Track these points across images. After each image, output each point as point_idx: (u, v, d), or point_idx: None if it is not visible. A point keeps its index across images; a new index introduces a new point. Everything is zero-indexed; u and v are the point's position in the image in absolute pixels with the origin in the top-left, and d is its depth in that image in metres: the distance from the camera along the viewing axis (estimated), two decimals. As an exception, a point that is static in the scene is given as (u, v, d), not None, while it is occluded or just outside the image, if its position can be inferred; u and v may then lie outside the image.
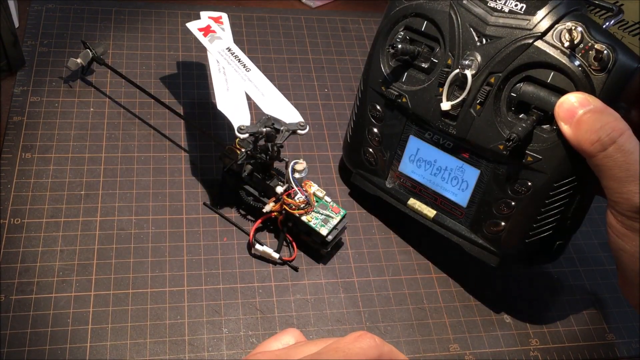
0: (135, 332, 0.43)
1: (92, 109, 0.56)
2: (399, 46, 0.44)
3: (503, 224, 0.45)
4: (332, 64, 0.65)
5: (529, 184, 0.42)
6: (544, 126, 0.41)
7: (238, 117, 0.46)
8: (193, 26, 0.52)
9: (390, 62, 0.47)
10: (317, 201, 0.48)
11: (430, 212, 0.48)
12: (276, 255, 0.48)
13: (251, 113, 0.47)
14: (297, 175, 0.47)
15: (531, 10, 0.40)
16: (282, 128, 0.46)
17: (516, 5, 0.41)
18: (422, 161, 0.48)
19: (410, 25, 0.46)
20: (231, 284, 0.47)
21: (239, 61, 0.50)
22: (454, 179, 0.47)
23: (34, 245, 0.46)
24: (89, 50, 0.56)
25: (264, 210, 0.48)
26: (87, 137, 0.54)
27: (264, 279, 0.48)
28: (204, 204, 0.51)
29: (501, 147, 0.42)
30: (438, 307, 0.49)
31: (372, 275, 0.50)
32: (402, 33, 0.46)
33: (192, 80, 0.60)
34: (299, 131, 0.46)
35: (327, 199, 0.48)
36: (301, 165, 0.47)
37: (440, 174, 0.47)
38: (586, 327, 0.50)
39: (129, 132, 0.55)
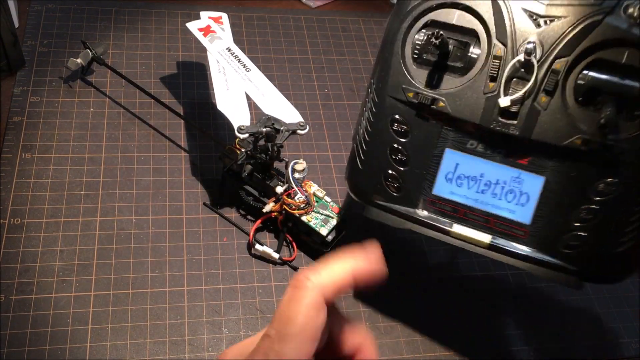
0: (135, 332, 0.43)
1: (92, 109, 0.56)
2: (434, 39, 0.37)
3: (584, 234, 0.38)
4: (332, 64, 0.65)
5: (616, 180, 0.37)
6: (624, 113, 0.36)
7: (238, 117, 0.46)
8: (193, 26, 0.52)
9: (414, 65, 0.40)
10: (317, 201, 0.48)
11: (483, 238, 0.40)
12: (276, 255, 0.48)
13: (251, 113, 0.47)
14: (297, 175, 0.47)
15: None
16: (282, 128, 0.46)
17: None
18: (463, 178, 0.41)
19: (435, 19, 0.39)
20: (231, 284, 0.47)
21: (239, 61, 0.50)
22: (509, 193, 0.40)
23: (34, 245, 0.46)
24: (88, 50, 0.56)
25: (264, 210, 0.48)
26: (87, 137, 0.54)
27: (264, 279, 0.48)
28: (204, 204, 0.51)
29: (578, 141, 0.36)
30: (438, 306, 0.49)
31: (372, 275, 0.50)
32: (423, 31, 0.40)
33: (192, 80, 0.60)
34: (299, 131, 0.46)
35: (327, 199, 0.48)
36: (301, 165, 0.47)
37: (490, 189, 0.40)
38: (586, 327, 0.50)
39: (129, 132, 0.55)
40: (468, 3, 0.38)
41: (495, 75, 0.38)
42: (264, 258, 0.49)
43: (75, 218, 0.48)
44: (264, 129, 0.45)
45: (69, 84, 0.57)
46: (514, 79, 0.37)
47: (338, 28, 0.69)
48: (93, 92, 0.57)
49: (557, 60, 0.36)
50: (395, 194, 0.42)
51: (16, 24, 0.59)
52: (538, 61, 0.37)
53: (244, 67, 0.50)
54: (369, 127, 0.42)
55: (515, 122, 0.38)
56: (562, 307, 0.51)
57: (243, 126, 0.45)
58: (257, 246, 0.48)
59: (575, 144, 0.36)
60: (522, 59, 0.36)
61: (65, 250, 0.46)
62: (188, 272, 0.47)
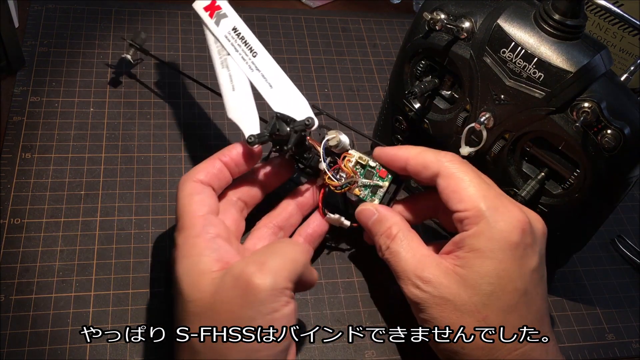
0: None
1: (92, 109, 0.56)
2: (416, 90, 0.44)
3: None
4: (332, 64, 0.65)
5: None
6: (555, 182, 0.43)
7: (248, 124, 0.44)
8: (199, 6, 0.49)
9: (414, 86, 0.47)
10: (362, 168, 0.46)
11: None
12: (347, 223, 0.47)
13: (257, 104, 0.45)
14: (334, 150, 0.45)
15: (549, 82, 0.38)
16: (288, 130, 0.43)
17: (535, 73, 0.39)
18: None
19: (432, 55, 0.45)
20: (231, 284, 0.47)
21: (245, 44, 0.47)
22: None
23: (34, 245, 0.46)
24: (132, 44, 0.55)
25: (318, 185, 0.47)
26: (87, 137, 0.54)
27: (264, 279, 0.48)
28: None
29: (511, 192, 0.44)
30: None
31: (372, 274, 0.50)
32: (423, 62, 0.46)
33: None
34: (308, 129, 0.43)
35: (372, 163, 0.46)
36: (334, 139, 0.44)
37: None
38: (586, 327, 0.50)
39: (129, 132, 0.55)
40: (453, 59, 0.43)
41: (460, 126, 0.44)
42: (334, 227, 0.47)
43: (75, 218, 0.48)
44: (273, 136, 0.43)
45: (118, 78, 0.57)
46: (474, 135, 0.44)
47: (338, 28, 0.69)
48: (93, 92, 0.57)
49: (506, 131, 0.42)
50: None
51: (16, 24, 0.59)
52: (492, 128, 0.42)
53: (251, 51, 0.47)
54: (383, 115, 0.52)
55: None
56: (562, 307, 0.51)
57: (252, 136, 0.43)
58: (329, 215, 0.46)
59: (509, 192, 0.43)
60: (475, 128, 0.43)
61: (65, 250, 0.46)
62: (188, 272, 0.47)
